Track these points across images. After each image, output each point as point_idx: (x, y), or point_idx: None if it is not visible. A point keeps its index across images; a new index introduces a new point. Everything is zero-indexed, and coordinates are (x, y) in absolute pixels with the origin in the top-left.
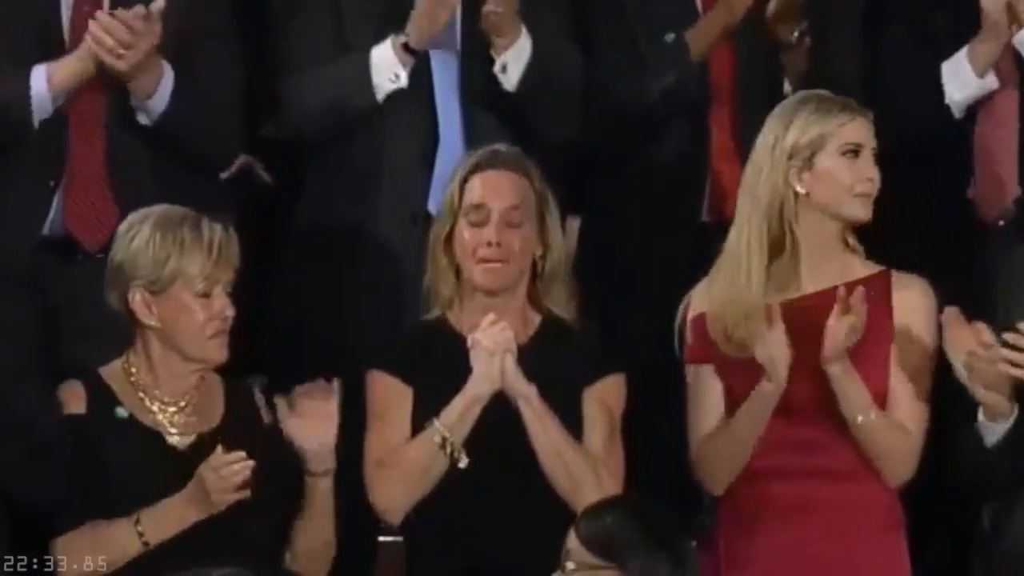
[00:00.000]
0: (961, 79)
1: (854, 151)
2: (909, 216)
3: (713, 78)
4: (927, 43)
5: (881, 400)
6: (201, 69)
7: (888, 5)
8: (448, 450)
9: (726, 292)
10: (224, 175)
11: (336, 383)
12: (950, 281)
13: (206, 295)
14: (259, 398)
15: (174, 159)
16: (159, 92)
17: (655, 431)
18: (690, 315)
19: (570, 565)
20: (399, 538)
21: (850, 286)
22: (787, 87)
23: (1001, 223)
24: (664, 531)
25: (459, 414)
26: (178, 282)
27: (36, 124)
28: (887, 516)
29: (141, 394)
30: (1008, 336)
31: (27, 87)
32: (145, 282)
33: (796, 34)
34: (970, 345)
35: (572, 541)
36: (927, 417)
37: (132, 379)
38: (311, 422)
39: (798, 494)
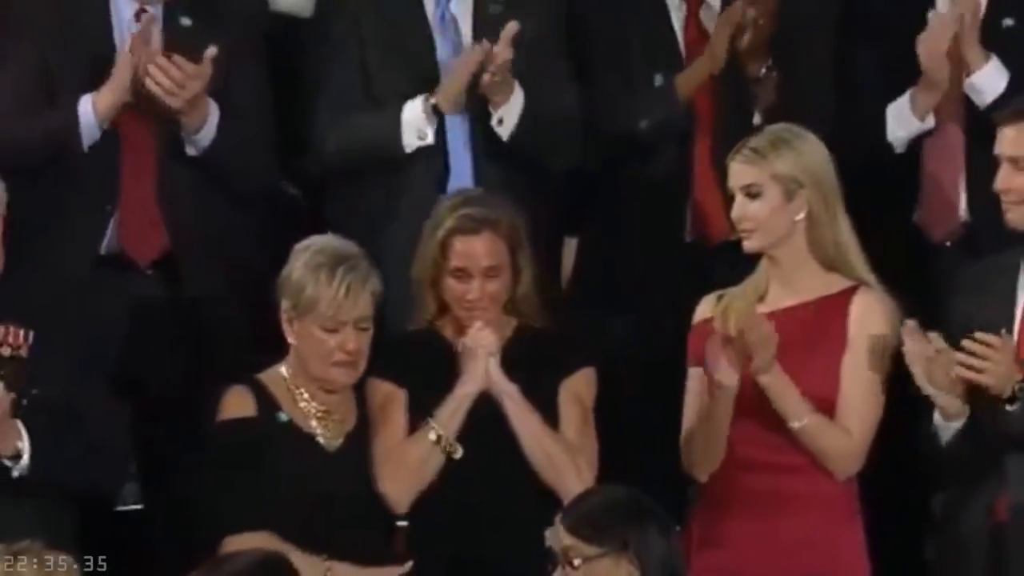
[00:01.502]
0: (903, 120)
1: (740, 191)
2: (862, 237)
3: (694, 111)
4: (883, 81)
5: (830, 403)
6: (238, 104)
7: (852, 43)
8: (443, 444)
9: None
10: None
11: None
12: (901, 297)
13: (333, 330)
14: None
15: (216, 187)
16: (207, 127)
17: (643, 425)
18: (694, 321)
19: (577, 561)
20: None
21: (814, 303)
22: (757, 118)
23: (948, 244)
24: (644, 505)
25: (451, 411)
26: (312, 313)
27: (86, 147)
28: (844, 505)
29: (298, 399)
30: (965, 343)
31: (76, 115)
32: (289, 303)
33: (764, 70)
34: (927, 353)
35: (567, 538)
36: (874, 420)
37: (290, 385)
38: None
39: (764, 485)
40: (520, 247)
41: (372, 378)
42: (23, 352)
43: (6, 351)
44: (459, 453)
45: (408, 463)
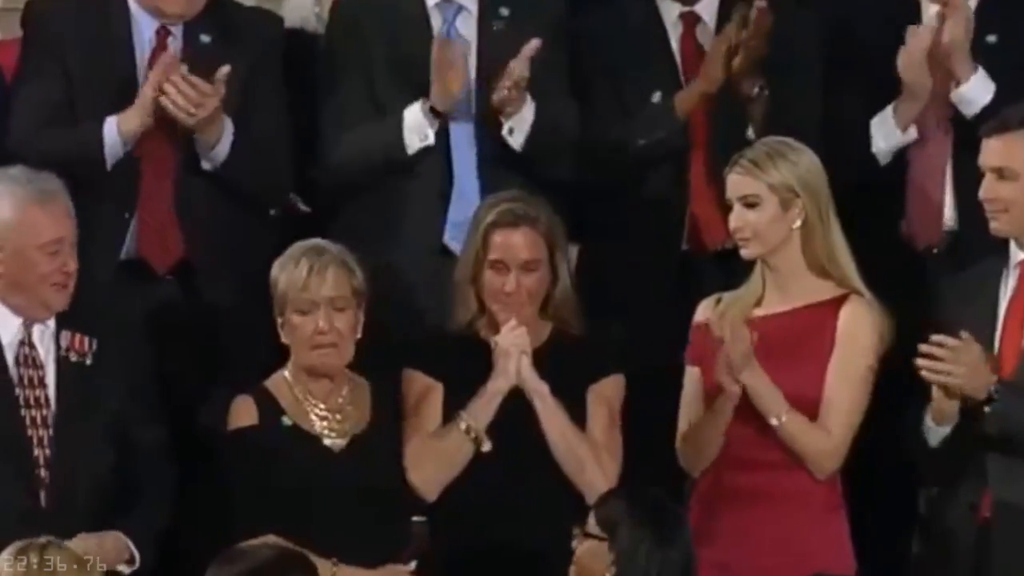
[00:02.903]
0: (886, 132)
1: (739, 201)
2: (851, 245)
3: (690, 127)
4: (867, 97)
5: (817, 403)
6: (256, 120)
7: (839, 63)
8: (472, 436)
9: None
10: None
11: None
12: (890, 304)
13: (305, 313)
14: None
15: (231, 199)
16: (221, 143)
17: (643, 426)
18: (693, 323)
19: (576, 531)
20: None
21: (806, 308)
22: (750, 134)
23: (934, 251)
24: (654, 516)
25: (482, 406)
26: (288, 303)
27: (109, 166)
28: (826, 500)
29: (301, 403)
30: (922, 346)
31: (100, 135)
32: (278, 305)
33: (756, 88)
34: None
35: (591, 515)
36: (855, 422)
37: (292, 389)
38: None
39: (752, 482)
40: (558, 248)
41: (409, 370)
42: (88, 360)
43: (73, 356)
44: (487, 447)
45: (439, 454)
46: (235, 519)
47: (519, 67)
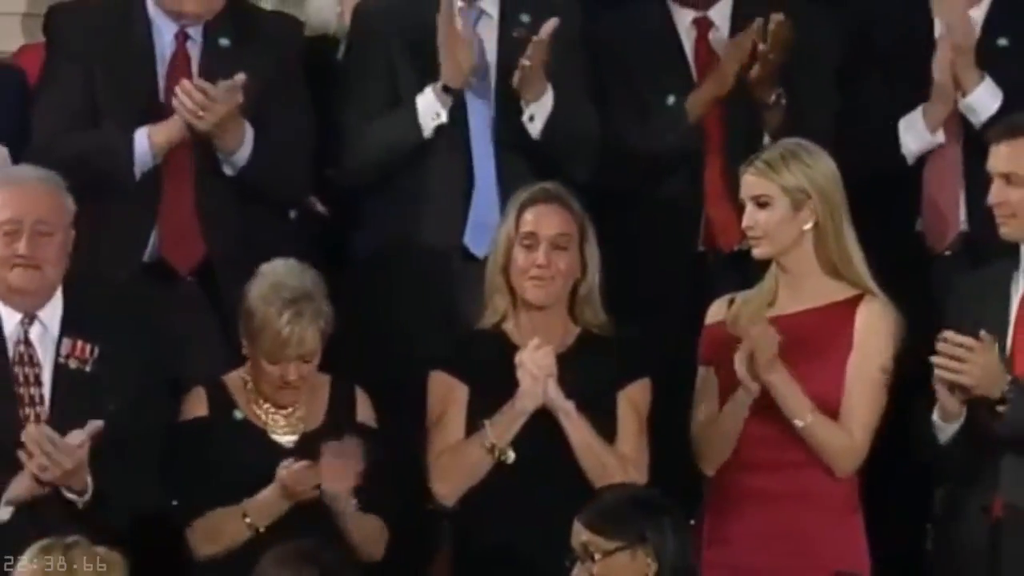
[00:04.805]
0: (915, 133)
1: (751, 201)
2: (865, 246)
3: (705, 131)
4: (888, 100)
5: (835, 406)
6: (276, 124)
7: (857, 66)
8: (495, 453)
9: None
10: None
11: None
12: (903, 305)
13: (276, 363)
14: (360, 397)
15: (251, 200)
16: (241, 149)
17: (660, 426)
18: (705, 324)
19: (597, 556)
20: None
21: (821, 309)
22: (767, 139)
23: (947, 253)
24: (659, 501)
25: (506, 424)
26: (257, 342)
27: (137, 176)
28: (844, 501)
29: (253, 399)
30: (939, 345)
31: (130, 146)
32: (248, 327)
33: (774, 97)
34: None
35: (585, 534)
36: (874, 422)
37: (247, 386)
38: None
39: (766, 483)
40: (588, 240)
41: (435, 372)
42: (87, 367)
43: (73, 363)
44: (511, 459)
45: (460, 465)
46: (184, 504)
47: (539, 45)
